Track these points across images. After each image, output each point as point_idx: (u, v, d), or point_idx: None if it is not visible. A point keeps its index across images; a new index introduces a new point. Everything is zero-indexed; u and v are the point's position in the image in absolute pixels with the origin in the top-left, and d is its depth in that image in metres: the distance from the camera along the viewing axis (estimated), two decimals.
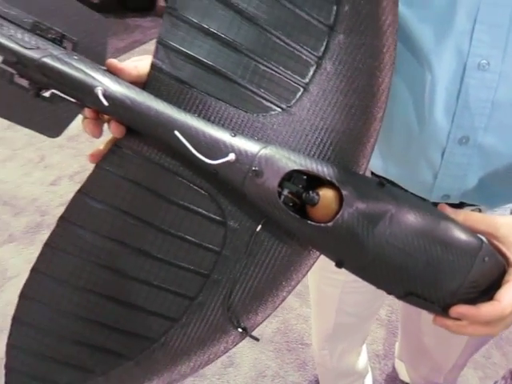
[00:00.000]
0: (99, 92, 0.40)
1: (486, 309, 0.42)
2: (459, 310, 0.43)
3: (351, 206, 0.40)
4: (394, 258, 0.41)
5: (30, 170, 2.28)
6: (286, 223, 0.43)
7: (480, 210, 0.62)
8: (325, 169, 0.41)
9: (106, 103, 0.40)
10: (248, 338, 0.47)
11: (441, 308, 0.44)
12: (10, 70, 0.41)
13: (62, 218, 0.46)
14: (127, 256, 0.46)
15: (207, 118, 0.43)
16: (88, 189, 0.46)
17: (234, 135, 0.42)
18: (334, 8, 0.43)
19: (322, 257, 0.80)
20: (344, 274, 0.83)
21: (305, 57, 0.44)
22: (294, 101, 0.44)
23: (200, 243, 0.46)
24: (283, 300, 0.48)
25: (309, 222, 0.41)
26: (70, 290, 0.47)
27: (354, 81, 0.44)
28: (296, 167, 0.41)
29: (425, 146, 0.56)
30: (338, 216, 0.40)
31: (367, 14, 0.43)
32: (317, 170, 0.41)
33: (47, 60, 0.40)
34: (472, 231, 0.44)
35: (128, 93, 0.41)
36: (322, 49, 0.44)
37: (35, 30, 0.41)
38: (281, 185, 0.41)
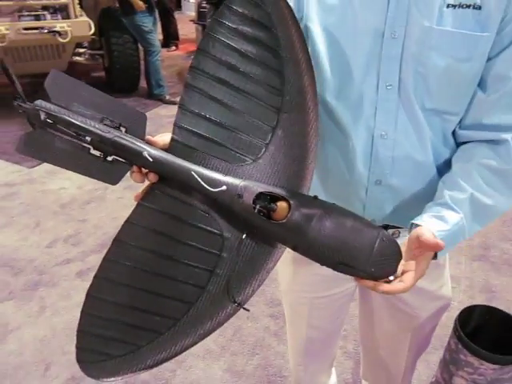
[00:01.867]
0: (146, 154, 0.68)
1: (398, 287, 0.69)
2: (383, 288, 0.69)
3: (296, 210, 0.67)
4: (324, 241, 0.68)
5: (27, 235, 2.48)
6: (259, 225, 0.69)
7: (399, 232, 0.91)
8: (279, 190, 0.69)
9: (151, 160, 0.68)
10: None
11: (362, 272, 0.69)
12: (88, 145, 0.68)
13: (115, 240, 0.71)
14: (159, 261, 0.71)
15: (207, 167, 0.71)
16: (132, 218, 0.71)
17: (225, 175, 0.70)
18: (280, 99, 0.72)
19: (293, 282, 1.05)
20: (309, 292, 1.10)
21: (265, 127, 0.72)
22: (259, 155, 0.72)
23: (207, 249, 0.71)
24: (263, 281, 0.73)
25: (272, 221, 0.68)
26: (121, 288, 0.71)
27: (295, 140, 0.73)
28: (261, 190, 0.69)
29: (354, 187, 0.85)
30: (288, 215, 0.67)
31: (300, 101, 0.73)
32: (274, 191, 0.69)
33: (116, 138, 0.67)
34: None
35: (161, 154, 0.69)
36: (275, 122, 0.73)
37: (103, 121, 0.69)
38: (254, 202, 0.69)
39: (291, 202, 0.68)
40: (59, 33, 3.51)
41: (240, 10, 0.70)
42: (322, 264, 0.69)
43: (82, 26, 3.66)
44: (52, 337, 1.85)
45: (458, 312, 1.22)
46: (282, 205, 0.68)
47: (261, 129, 0.72)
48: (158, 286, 0.71)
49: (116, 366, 0.70)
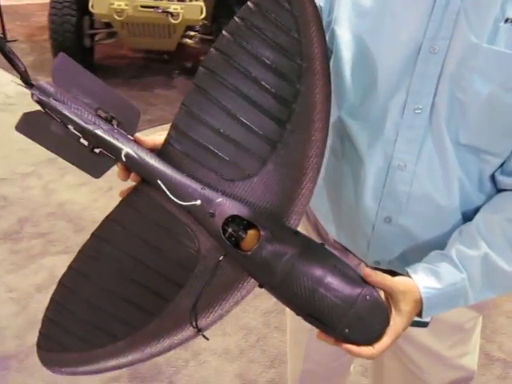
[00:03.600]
0: (122, 153, 0.63)
1: (364, 352, 0.59)
2: (347, 347, 0.59)
3: (267, 242, 0.58)
4: (292, 286, 0.58)
5: (98, 197, 2.63)
6: (227, 250, 0.62)
7: None
8: (255, 217, 0.60)
9: (124, 159, 0.63)
10: None
11: (333, 331, 0.59)
12: (78, 134, 0.66)
13: (93, 234, 0.67)
14: (131, 264, 0.66)
15: (194, 176, 0.64)
16: (112, 215, 0.67)
17: (203, 188, 0.62)
18: (288, 112, 0.63)
19: None
20: None
21: (267, 143, 0.63)
22: (255, 171, 0.64)
23: (180, 263, 0.65)
24: (228, 312, 0.66)
25: (237, 250, 0.60)
26: (90, 285, 0.67)
27: (295, 161, 0.64)
28: (236, 213, 0.61)
29: (360, 220, 0.73)
30: (254, 248, 0.58)
31: (309, 119, 0.63)
32: (249, 216, 0.60)
33: (97, 131, 0.63)
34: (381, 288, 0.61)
35: (138, 155, 0.63)
36: (278, 138, 0.64)
37: (97, 111, 0.66)
38: (227, 224, 0.61)
39: (262, 232, 0.59)
40: (171, 14, 3.66)
41: (264, 11, 0.62)
42: (290, 309, 0.60)
43: (193, 9, 3.77)
44: None
45: None
46: (252, 234, 0.60)
47: (262, 144, 0.64)
48: (126, 291, 0.67)
49: (69, 361, 0.67)
